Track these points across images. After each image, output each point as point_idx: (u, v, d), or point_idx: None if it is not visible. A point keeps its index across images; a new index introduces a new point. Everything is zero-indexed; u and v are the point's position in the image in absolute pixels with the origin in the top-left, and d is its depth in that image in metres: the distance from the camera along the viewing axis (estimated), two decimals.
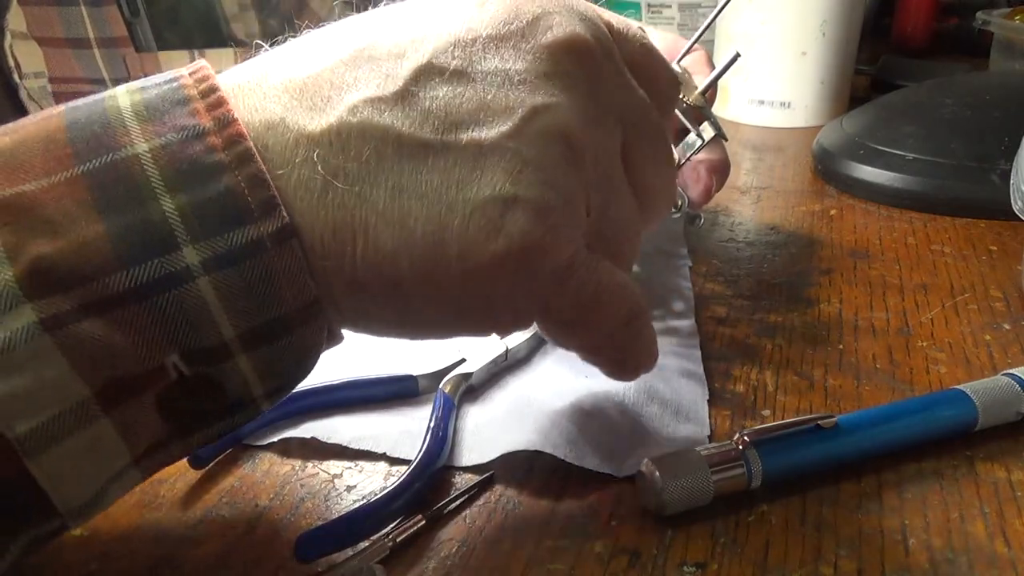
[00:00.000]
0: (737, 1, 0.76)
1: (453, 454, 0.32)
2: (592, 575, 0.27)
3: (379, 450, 0.33)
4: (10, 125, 0.22)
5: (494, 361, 0.37)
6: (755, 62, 0.77)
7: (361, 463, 0.32)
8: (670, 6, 0.89)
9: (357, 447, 0.33)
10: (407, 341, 0.28)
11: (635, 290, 0.28)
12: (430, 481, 0.30)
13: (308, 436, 0.33)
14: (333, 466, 0.32)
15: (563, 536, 0.28)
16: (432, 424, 0.33)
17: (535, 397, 0.36)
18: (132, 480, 0.24)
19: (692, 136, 0.41)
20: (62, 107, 0.23)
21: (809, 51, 0.75)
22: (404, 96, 0.24)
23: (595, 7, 0.28)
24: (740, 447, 0.30)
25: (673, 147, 0.38)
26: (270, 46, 0.26)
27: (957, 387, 0.33)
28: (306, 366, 0.25)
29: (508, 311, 0.26)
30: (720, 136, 0.40)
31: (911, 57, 1.04)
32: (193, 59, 0.59)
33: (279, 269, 0.22)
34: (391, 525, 0.28)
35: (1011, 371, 0.34)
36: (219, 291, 0.22)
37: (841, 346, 0.40)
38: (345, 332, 0.27)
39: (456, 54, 0.24)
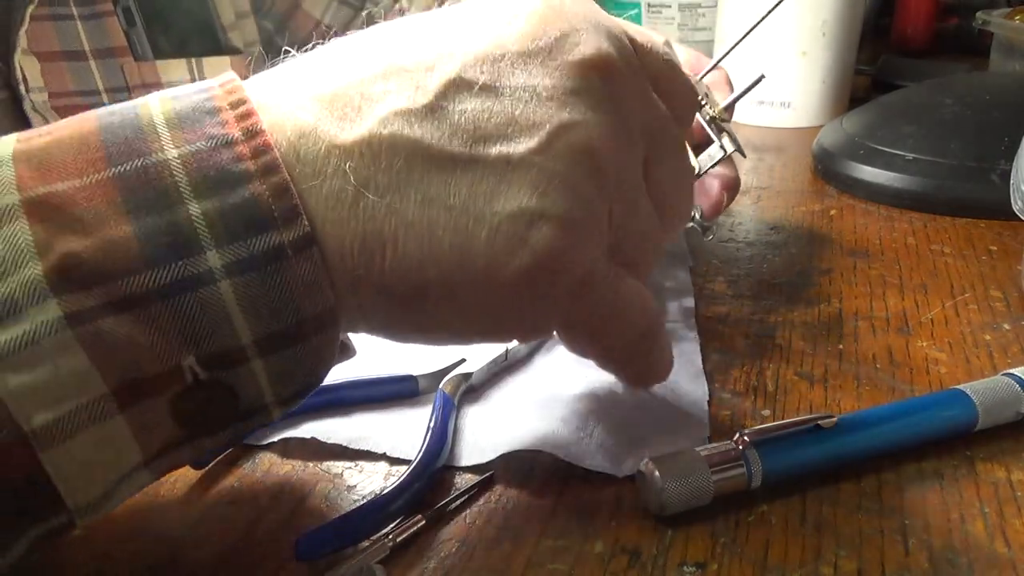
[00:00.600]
0: (738, 2, 0.76)
1: (453, 454, 0.32)
2: (592, 575, 0.27)
3: (379, 450, 0.33)
4: (46, 127, 0.23)
5: (494, 361, 0.37)
6: (755, 62, 0.77)
7: (361, 463, 0.32)
8: (670, 6, 0.89)
9: (357, 447, 0.33)
10: (421, 345, 0.29)
11: (652, 302, 0.29)
12: (430, 481, 0.30)
13: (308, 436, 0.33)
14: (333, 466, 0.32)
15: (563, 536, 0.28)
16: (432, 424, 0.33)
17: (535, 397, 0.36)
18: (141, 481, 0.24)
19: (713, 148, 0.41)
20: (98, 112, 0.24)
21: (809, 51, 0.75)
22: (434, 109, 0.24)
23: (621, 23, 0.29)
24: (740, 447, 0.30)
25: (693, 157, 0.39)
26: (298, 52, 0.27)
27: (957, 387, 0.33)
28: (318, 375, 0.25)
29: (529, 321, 0.27)
30: (739, 152, 0.40)
31: (911, 57, 1.04)
32: (191, 67, 0.59)
33: (298, 276, 0.23)
34: (391, 525, 0.28)
35: (1011, 371, 0.34)
36: (239, 295, 0.22)
37: (841, 346, 0.40)
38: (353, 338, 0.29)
39: (485, 69, 0.25)
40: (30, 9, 0.50)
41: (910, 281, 0.47)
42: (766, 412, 0.35)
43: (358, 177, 0.24)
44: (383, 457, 0.33)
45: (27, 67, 0.52)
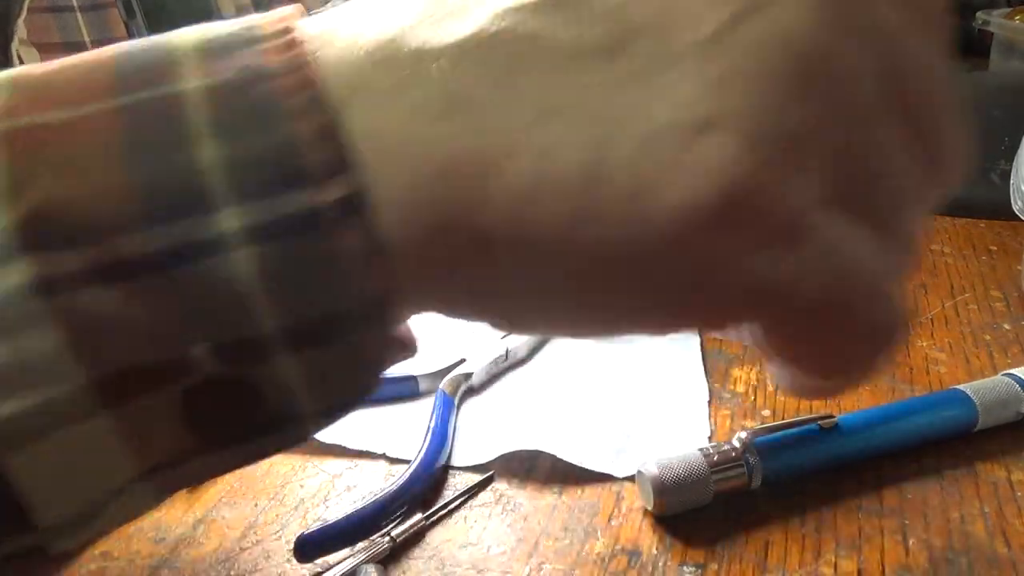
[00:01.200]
0: None
1: (453, 454, 0.32)
2: (592, 575, 0.27)
3: (379, 450, 0.33)
4: (65, 59, 0.19)
5: (494, 361, 0.37)
6: None
7: (361, 463, 0.32)
8: None
9: (357, 447, 0.33)
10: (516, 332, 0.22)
11: (901, 284, 0.20)
12: (430, 481, 0.30)
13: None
14: (333, 466, 0.32)
15: (563, 536, 0.28)
16: (432, 424, 0.33)
17: (535, 397, 0.36)
18: (142, 498, 0.19)
19: None
20: (129, 41, 0.20)
21: None
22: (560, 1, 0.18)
23: None
24: (740, 447, 0.30)
25: None
26: None
27: (957, 387, 0.33)
28: (372, 377, 0.20)
29: (700, 291, 0.18)
30: None
31: None
32: None
33: (346, 247, 0.17)
34: (391, 525, 0.28)
35: (1011, 371, 0.34)
36: (263, 269, 0.17)
37: None
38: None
39: None
40: (28, 0, 0.50)
41: (910, 281, 0.47)
42: (766, 412, 0.35)
43: (454, 84, 0.18)
44: (383, 457, 0.33)
45: (27, 58, 0.51)
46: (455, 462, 0.32)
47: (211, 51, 0.18)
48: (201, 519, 0.30)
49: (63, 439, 0.17)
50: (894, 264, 0.19)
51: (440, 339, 0.37)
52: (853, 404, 0.36)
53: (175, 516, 0.30)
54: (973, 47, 1.08)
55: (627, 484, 0.31)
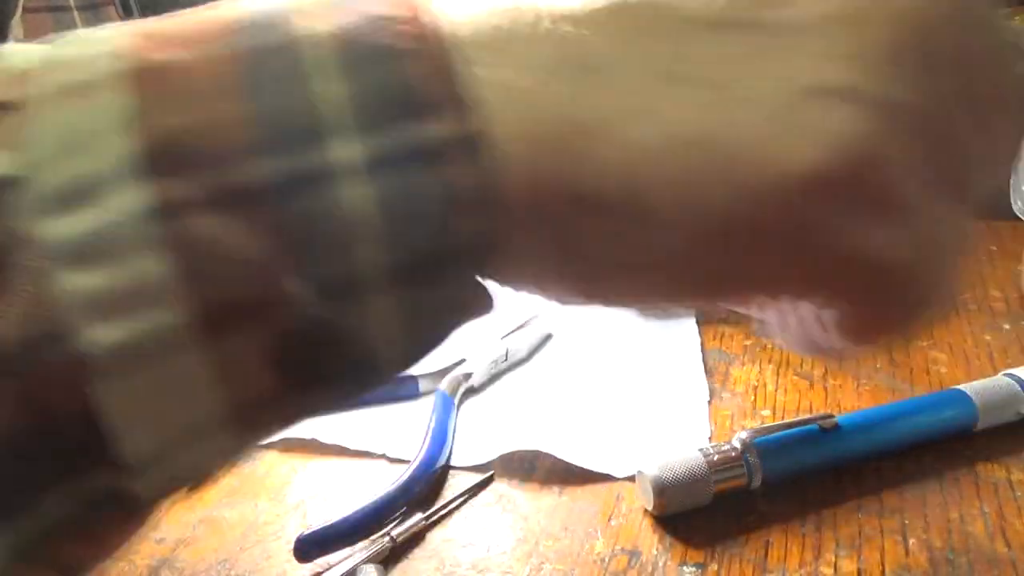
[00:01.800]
0: None
1: (453, 454, 0.32)
2: (592, 575, 0.27)
3: (379, 450, 0.33)
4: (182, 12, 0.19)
5: (494, 361, 0.37)
6: None
7: (361, 463, 0.32)
8: None
9: (357, 447, 0.33)
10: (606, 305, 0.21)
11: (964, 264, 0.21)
12: (430, 481, 0.30)
13: (308, 436, 0.33)
14: (333, 466, 0.32)
15: (563, 536, 0.28)
16: (432, 424, 0.33)
17: (535, 397, 0.36)
18: (219, 444, 0.19)
19: None
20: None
21: None
22: None
23: None
24: (740, 447, 0.30)
25: None
26: None
27: (957, 387, 0.33)
28: (456, 325, 0.19)
29: (805, 254, 0.19)
30: None
31: None
32: None
33: (459, 185, 0.17)
34: (391, 525, 0.28)
35: (1011, 371, 0.34)
36: (377, 200, 0.17)
37: None
38: None
39: None
40: None
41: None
42: (766, 412, 0.35)
43: (576, 45, 0.18)
44: (383, 457, 0.33)
45: None
46: (455, 462, 0.32)
47: (333, 3, 0.19)
48: (201, 519, 0.30)
49: (160, 370, 0.17)
50: (967, 243, 0.21)
51: None
52: (853, 404, 0.36)
53: (175, 516, 0.30)
54: None
55: (627, 484, 0.31)
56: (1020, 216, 0.45)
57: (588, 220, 0.18)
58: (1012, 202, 0.45)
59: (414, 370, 0.36)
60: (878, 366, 0.38)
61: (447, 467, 0.32)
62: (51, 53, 0.18)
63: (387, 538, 0.28)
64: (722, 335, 0.41)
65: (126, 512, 0.18)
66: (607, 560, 0.27)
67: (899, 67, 0.18)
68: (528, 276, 0.20)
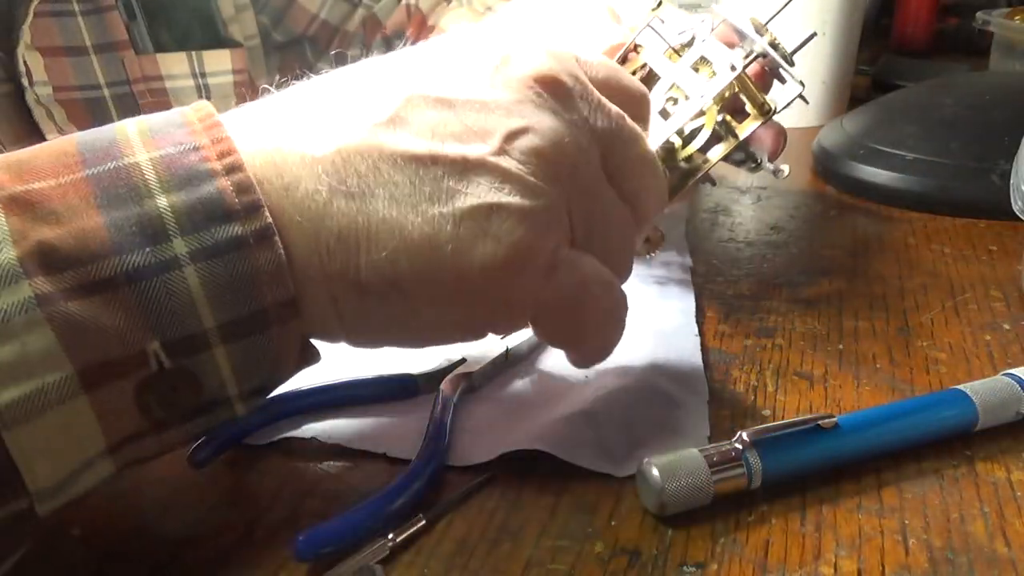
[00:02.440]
0: (737, 3, 0.76)
1: (453, 454, 0.32)
2: (592, 575, 0.27)
3: (379, 450, 0.33)
4: (30, 148, 0.25)
5: (494, 361, 0.37)
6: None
7: (361, 463, 0.32)
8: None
9: (357, 447, 0.33)
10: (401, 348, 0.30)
11: (615, 281, 0.31)
12: (430, 481, 0.30)
13: (308, 436, 0.33)
14: (333, 466, 0.32)
15: (563, 536, 0.28)
16: (432, 424, 0.33)
17: (535, 397, 0.36)
18: (104, 470, 0.25)
19: (784, 90, 0.41)
20: (78, 132, 0.26)
21: (809, 51, 0.75)
22: (395, 120, 0.27)
23: (570, 46, 0.32)
24: (740, 447, 0.30)
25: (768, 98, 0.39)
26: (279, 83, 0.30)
27: (957, 387, 0.33)
28: (281, 370, 0.27)
29: (502, 309, 0.28)
30: (801, 98, 0.41)
31: (911, 57, 1.03)
32: (191, 61, 0.59)
33: (260, 265, 0.24)
34: (391, 525, 0.28)
35: (1011, 371, 0.34)
36: (203, 280, 0.24)
37: (841, 346, 0.40)
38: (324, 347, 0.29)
39: (438, 87, 0.28)
40: (34, 4, 0.50)
41: (910, 281, 0.47)
42: (766, 412, 0.35)
43: (331, 181, 0.26)
44: (383, 457, 0.33)
45: (31, 61, 0.52)
46: (455, 462, 0.32)
47: (152, 134, 0.25)
48: (201, 519, 0.30)
49: (52, 419, 0.22)
50: (614, 274, 0.30)
51: None
52: (853, 404, 0.36)
53: (175, 516, 0.30)
54: (973, 47, 1.09)
55: (627, 484, 0.31)
56: (1020, 216, 0.45)
57: (366, 298, 0.26)
58: (1012, 202, 0.45)
59: (414, 370, 0.36)
60: (878, 366, 0.38)
61: (447, 467, 0.32)
62: None
63: (387, 538, 0.28)
64: (722, 335, 0.41)
65: (26, 531, 0.24)
66: (607, 560, 0.27)
67: (538, 184, 0.27)
68: (335, 335, 0.28)
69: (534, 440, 0.32)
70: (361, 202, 0.26)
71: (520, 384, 0.37)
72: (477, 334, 0.30)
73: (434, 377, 0.36)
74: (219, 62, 0.61)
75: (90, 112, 0.55)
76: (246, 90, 0.63)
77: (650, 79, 0.39)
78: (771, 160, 0.45)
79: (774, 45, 0.40)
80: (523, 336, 0.39)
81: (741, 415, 0.35)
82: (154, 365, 0.24)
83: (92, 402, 0.23)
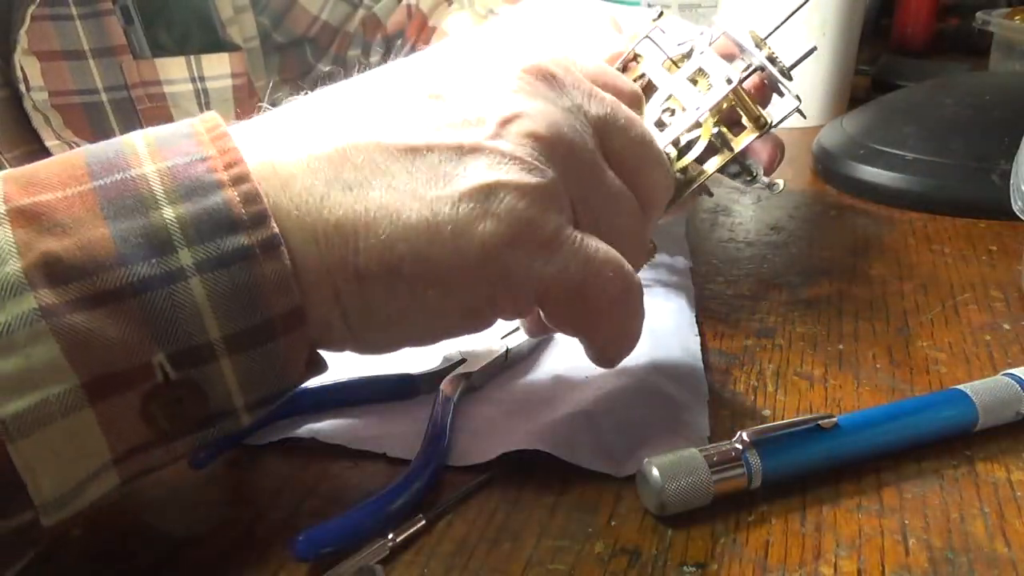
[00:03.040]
0: (737, 2, 0.76)
1: (453, 454, 0.32)
2: (592, 575, 0.27)
3: (379, 450, 0.33)
4: (40, 161, 0.25)
5: (494, 361, 0.37)
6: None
7: (361, 463, 0.32)
8: (670, 6, 0.89)
9: (357, 447, 0.33)
10: (405, 347, 0.30)
11: (627, 266, 0.30)
12: (430, 481, 0.30)
13: (308, 436, 0.33)
14: (333, 466, 0.32)
15: (563, 536, 0.28)
16: (431, 424, 0.33)
17: (535, 397, 0.36)
18: (109, 482, 0.24)
19: (781, 103, 0.41)
20: (86, 145, 0.26)
21: None
22: (391, 116, 0.28)
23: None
24: (740, 447, 0.30)
25: (762, 108, 0.39)
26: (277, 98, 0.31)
27: (957, 387, 0.33)
28: (287, 380, 0.27)
29: (505, 290, 0.28)
30: (798, 112, 0.41)
31: (911, 57, 1.04)
32: (189, 65, 0.59)
33: (266, 275, 0.24)
34: (391, 525, 0.28)
35: (1011, 371, 0.34)
36: (209, 291, 0.24)
37: (841, 346, 0.40)
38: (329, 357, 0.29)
39: (433, 82, 0.29)
40: (31, 9, 0.50)
41: (910, 281, 0.47)
42: (766, 412, 0.35)
43: (327, 175, 0.26)
44: (383, 457, 0.33)
45: (28, 66, 0.52)
46: (455, 462, 0.32)
47: (159, 145, 0.25)
48: (201, 519, 0.30)
49: (57, 430, 0.22)
50: (620, 256, 0.29)
51: None
52: (853, 404, 0.36)
53: (175, 516, 0.30)
54: (973, 47, 1.09)
55: (627, 484, 0.31)
56: (1020, 216, 0.45)
57: (368, 287, 0.26)
58: (1012, 202, 0.45)
59: (414, 370, 0.36)
60: (878, 366, 0.38)
61: (447, 467, 0.32)
62: None
63: (387, 538, 0.28)
64: (722, 335, 0.41)
65: (30, 543, 0.24)
66: (607, 560, 0.27)
67: (537, 162, 0.27)
68: (341, 339, 0.28)
69: (534, 440, 0.32)
70: (358, 192, 0.26)
71: (520, 384, 0.37)
72: (483, 319, 0.29)
73: (434, 377, 0.36)
74: (218, 66, 0.61)
75: (88, 117, 0.55)
76: (246, 94, 0.63)
77: (648, 89, 0.39)
78: (767, 173, 0.45)
79: (772, 59, 0.40)
80: (524, 336, 0.39)
81: (741, 415, 0.35)
82: (160, 377, 0.23)
83: (97, 414, 0.23)
